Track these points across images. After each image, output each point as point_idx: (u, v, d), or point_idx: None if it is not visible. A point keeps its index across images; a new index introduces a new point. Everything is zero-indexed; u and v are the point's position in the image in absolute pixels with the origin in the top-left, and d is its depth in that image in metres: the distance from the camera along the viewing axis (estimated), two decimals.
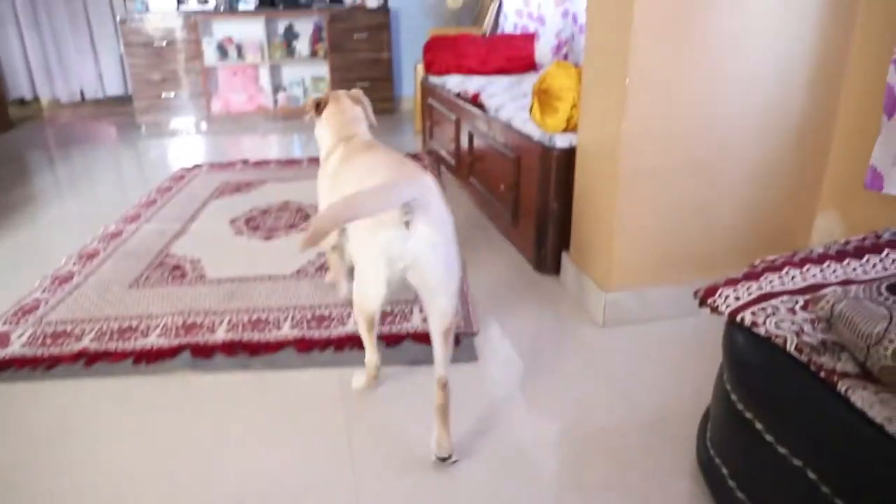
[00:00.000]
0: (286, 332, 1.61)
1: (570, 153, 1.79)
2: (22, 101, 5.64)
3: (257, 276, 1.94)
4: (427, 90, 3.31)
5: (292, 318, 1.66)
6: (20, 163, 3.61)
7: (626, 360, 1.46)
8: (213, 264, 2.04)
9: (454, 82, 2.92)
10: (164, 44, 4.36)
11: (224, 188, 2.90)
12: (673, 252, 1.56)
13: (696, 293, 1.02)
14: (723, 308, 0.93)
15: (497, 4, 4.06)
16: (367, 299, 1.12)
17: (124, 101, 5.56)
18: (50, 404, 1.38)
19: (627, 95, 1.43)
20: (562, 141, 1.81)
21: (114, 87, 5.63)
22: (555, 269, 1.89)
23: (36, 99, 5.65)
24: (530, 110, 1.96)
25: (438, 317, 1.08)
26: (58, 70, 5.52)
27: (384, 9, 4.65)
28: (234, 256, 2.09)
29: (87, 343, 1.57)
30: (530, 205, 1.91)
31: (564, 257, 1.84)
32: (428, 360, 1.21)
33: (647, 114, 1.44)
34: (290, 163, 3.25)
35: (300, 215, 2.47)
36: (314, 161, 3.24)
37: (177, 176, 3.13)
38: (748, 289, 0.94)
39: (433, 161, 3.23)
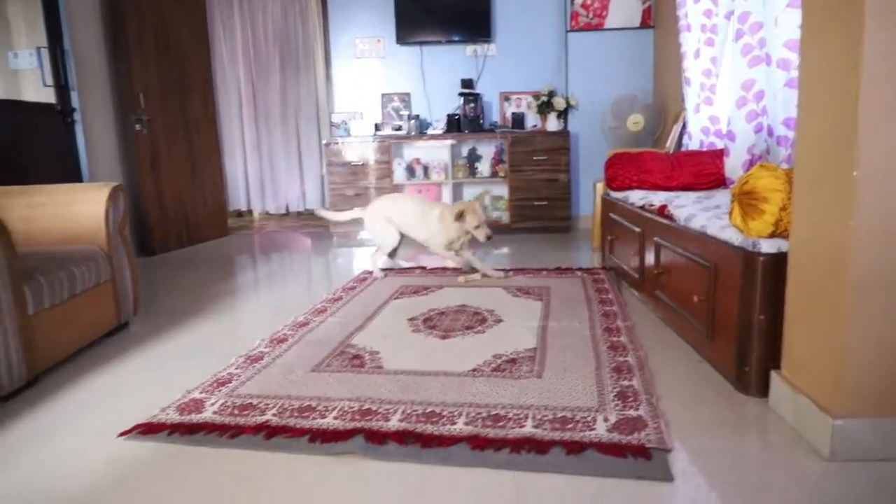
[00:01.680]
0: (460, 427, 1.60)
1: (778, 259, 1.67)
2: (239, 213, 6.73)
3: (433, 371, 1.97)
4: (608, 205, 3.35)
5: (467, 415, 1.65)
6: (229, 262, 4.20)
7: None
8: (391, 357, 2.10)
9: (637, 196, 2.94)
10: (360, 164, 4.95)
11: (403, 290, 3.08)
12: None
13: None
14: None
15: (681, 124, 4.12)
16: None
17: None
18: (229, 470, 1.45)
19: (856, 190, 1.34)
20: (769, 246, 1.71)
21: (313, 202, 6.44)
22: (761, 389, 1.71)
23: (249, 211, 6.68)
24: (730, 215, 1.90)
25: None
26: (269, 186, 6.50)
27: (563, 132, 4.90)
28: (411, 351, 2.15)
29: (269, 417, 1.67)
30: (730, 317, 1.79)
31: (774, 377, 1.66)
32: (617, 473, 1.13)
33: (882, 209, 1.33)
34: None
35: (477, 318, 2.53)
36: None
37: (360, 278, 3.41)
38: None
39: (612, 276, 3.23)
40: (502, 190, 5.08)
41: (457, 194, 5.15)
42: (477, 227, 3.06)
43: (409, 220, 3.26)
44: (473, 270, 3.27)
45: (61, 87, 3.88)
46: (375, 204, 3.36)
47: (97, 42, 4.25)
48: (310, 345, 2.27)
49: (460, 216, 2.99)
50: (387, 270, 3.50)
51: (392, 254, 3.53)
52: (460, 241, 3.23)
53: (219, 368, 2.05)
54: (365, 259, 4.01)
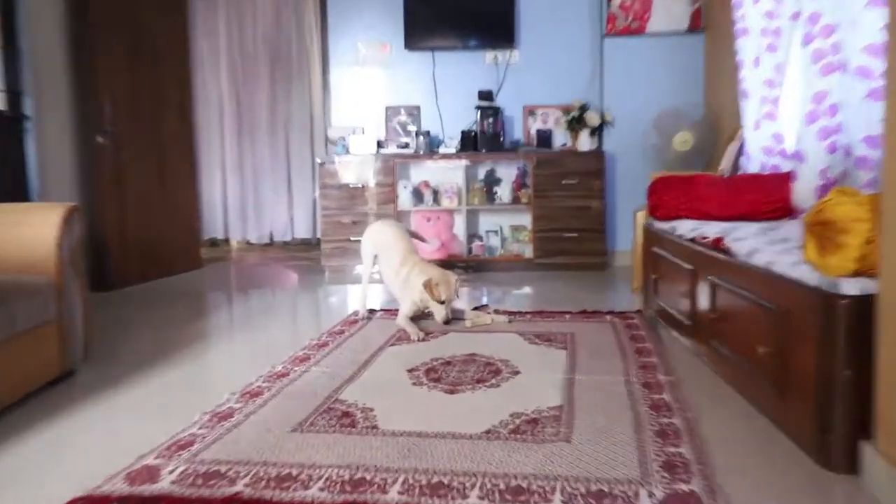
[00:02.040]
0: (473, 501, 1.55)
1: (864, 302, 1.61)
2: (213, 242, 6.69)
3: (438, 432, 1.95)
4: (651, 237, 3.34)
5: (481, 487, 1.60)
6: (200, 299, 4.21)
7: None
8: (387, 415, 2.09)
9: (687, 227, 2.92)
10: (359, 186, 4.95)
11: (401, 335, 3.10)
12: None
13: None
14: None
15: (738, 143, 4.08)
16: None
17: (312, 245, 6.40)
18: None
19: None
20: (852, 286, 1.64)
21: (303, 230, 6.48)
22: (848, 463, 1.62)
23: (226, 240, 6.69)
24: (803, 249, 1.84)
25: None
26: (252, 211, 6.54)
27: (598, 152, 4.91)
28: (412, 409, 2.14)
29: (240, 488, 1.61)
30: (806, 373, 1.72)
31: (866, 449, 1.58)
32: None
33: None
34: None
35: (490, 369, 2.51)
36: (509, 314, 3.40)
37: (350, 320, 3.41)
38: None
39: (651, 321, 3.20)
40: (524, 219, 5.08)
41: (471, 224, 5.16)
42: (442, 302, 3.13)
43: (384, 254, 3.39)
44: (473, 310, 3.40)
45: (13, 92, 3.92)
46: (376, 223, 3.59)
47: (59, 41, 4.24)
48: (290, 399, 2.25)
49: (429, 286, 3.11)
50: (372, 311, 3.54)
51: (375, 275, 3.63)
52: (431, 307, 3.30)
53: (180, 428, 2.03)
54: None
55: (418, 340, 2.98)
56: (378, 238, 3.44)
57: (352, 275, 4.99)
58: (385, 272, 3.39)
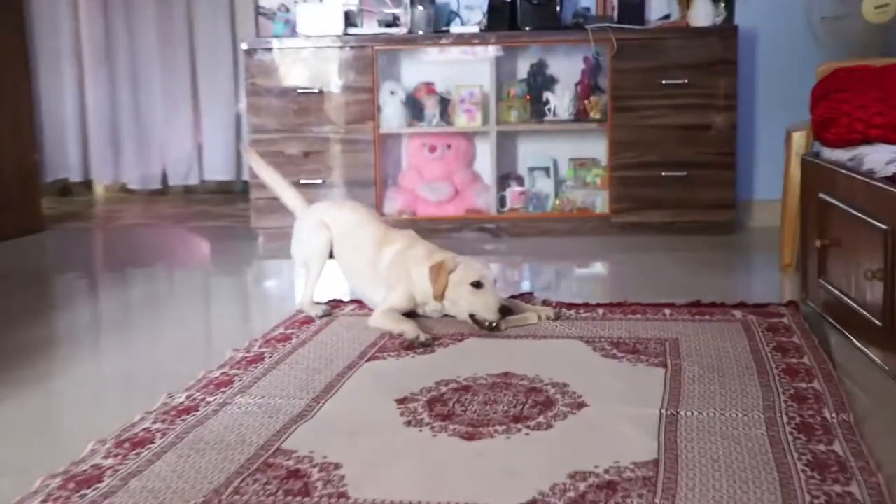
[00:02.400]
0: None
1: None
2: (64, 189, 6.76)
3: None
4: (817, 176, 3.39)
5: None
6: (39, 287, 4.27)
7: None
8: (363, 477, 2.08)
9: (882, 157, 2.94)
10: (314, 91, 4.97)
11: (386, 343, 3.12)
12: None
13: None
14: None
15: None
16: None
17: (235, 192, 6.45)
18: None
19: None
20: None
21: (218, 168, 6.55)
22: None
23: (87, 184, 6.76)
24: None
25: None
26: (129, 137, 6.58)
27: (726, 30, 4.91)
28: (405, 466, 2.16)
29: None
30: None
31: None
32: None
33: None
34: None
35: (535, 399, 2.50)
36: (567, 306, 3.42)
37: (301, 319, 3.45)
38: None
39: (819, 321, 3.22)
40: (595, 148, 5.11)
41: (505, 157, 5.17)
42: (475, 319, 3.22)
43: (348, 242, 3.55)
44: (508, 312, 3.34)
45: None
46: (318, 204, 3.81)
47: None
48: (199, 451, 2.22)
49: (439, 272, 3.25)
50: (329, 308, 3.56)
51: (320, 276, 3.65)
52: (429, 308, 3.37)
53: (15, 499, 2.01)
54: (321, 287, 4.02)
55: (419, 346, 3.05)
56: (335, 211, 3.64)
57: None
58: (350, 267, 3.58)
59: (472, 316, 3.27)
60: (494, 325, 3.23)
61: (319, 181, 4.98)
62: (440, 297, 3.26)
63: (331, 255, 3.58)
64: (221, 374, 2.83)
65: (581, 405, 2.48)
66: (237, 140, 6.37)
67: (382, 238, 3.50)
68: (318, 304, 3.59)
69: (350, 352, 3.04)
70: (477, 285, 3.22)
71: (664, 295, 3.67)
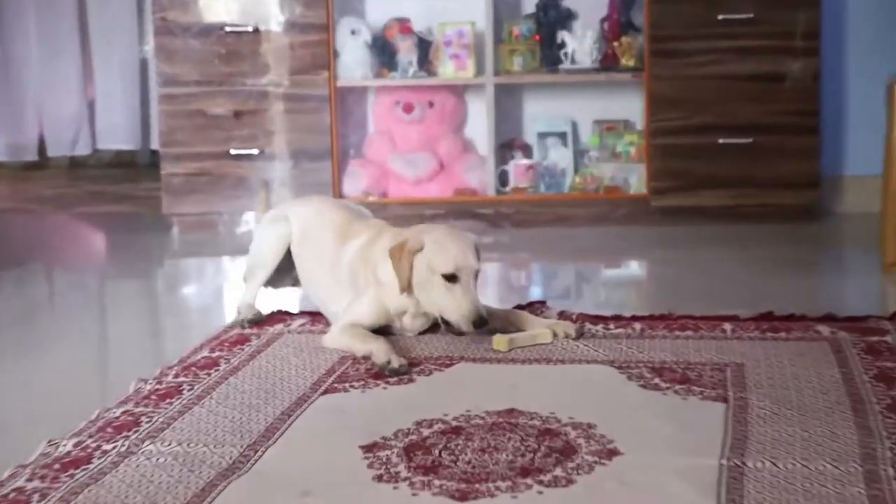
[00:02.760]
0: None
1: None
2: None
3: None
4: None
5: None
6: None
7: None
8: None
9: None
10: (249, 29, 5.01)
11: (348, 370, 3.13)
12: None
13: None
14: None
15: None
16: None
17: (139, 166, 6.43)
18: None
19: None
20: None
21: (117, 135, 6.46)
22: None
23: None
24: None
25: None
26: None
27: None
28: None
29: None
30: None
31: None
32: None
33: None
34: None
35: (549, 445, 2.48)
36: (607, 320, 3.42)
37: (232, 338, 3.51)
38: None
39: None
40: (628, 106, 5.20)
41: (507, 118, 5.24)
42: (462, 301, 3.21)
43: (308, 242, 3.66)
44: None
45: None
46: (290, 204, 3.98)
47: None
48: None
49: (401, 252, 3.29)
50: (259, 314, 3.67)
51: (272, 282, 3.77)
52: (407, 321, 3.42)
53: None
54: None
55: (392, 373, 3.06)
56: (296, 213, 3.73)
57: (233, 231, 5.04)
58: (308, 273, 3.68)
59: (441, 318, 3.32)
60: (474, 323, 3.24)
61: (255, 151, 4.99)
62: (406, 288, 3.28)
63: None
64: (123, 413, 2.80)
65: (612, 453, 2.44)
66: (142, 96, 6.34)
67: (344, 230, 3.55)
68: (255, 308, 3.66)
69: (299, 382, 3.03)
70: (451, 278, 3.25)
71: (723, 304, 3.68)
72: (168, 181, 5.04)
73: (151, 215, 5.27)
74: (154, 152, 5.90)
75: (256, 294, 3.71)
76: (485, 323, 3.25)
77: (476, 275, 3.32)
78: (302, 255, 3.65)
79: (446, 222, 4.85)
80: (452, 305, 3.23)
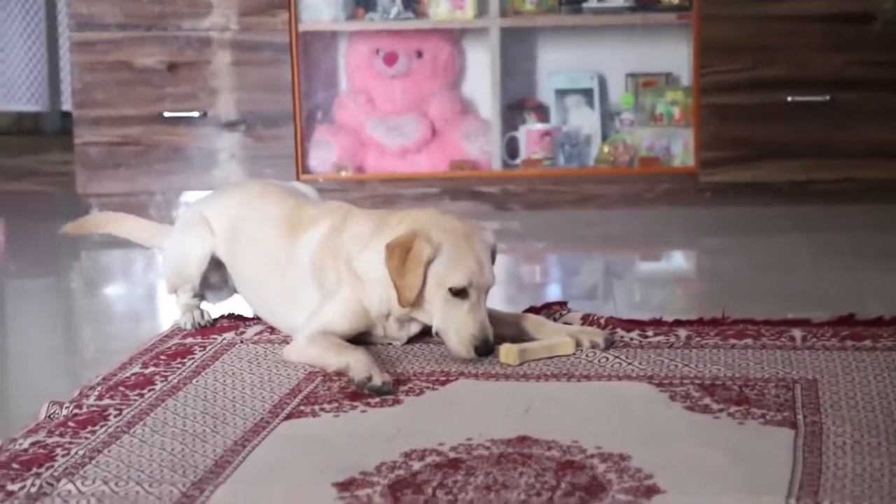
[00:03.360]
0: None
1: None
2: None
3: None
4: None
5: None
6: None
7: None
8: None
9: None
10: None
11: (317, 389, 3.14)
12: None
13: None
14: None
15: None
16: None
17: (46, 133, 6.53)
18: None
19: None
20: None
21: (17, 93, 6.46)
22: None
23: None
24: None
25: None
26: None
27: None
28: None
29: None
30: None
31: None
32: None
33: None
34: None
35: (570, 481, 2.46)
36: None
37: (171, 349, 3.51)
38: None
39: None
40: (673, 54, 5.26)
41: (515, 73, 5.29)
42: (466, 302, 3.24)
43: (240, 241, 3.70)
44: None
45: None
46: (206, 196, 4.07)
47: None
48: None
49: (404, 248, 3.28)
50: (209, 318, 3.73)
51: (199, 293, 3.81)
52: (392, 328, 3.46)
53: None
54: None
55: (373, 393, 3.05)
56: (217, 212, 3.78)
57: (165, 212, 5.08)
58: (248, 280, 3.72)
59: (437, 333, 3.35)
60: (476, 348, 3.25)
61: (195, 113, 5.01)
62: (412, 303, 3.28)
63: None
64: (33, 444, 2.79)
65: (651, 491, 2.42)
66: (49, 44, 6.36)
67: (293, 220, 3.57)
68: (200, 309, 3.71)
69: (256, 404, 3.03)
70: (459, 293, 3.28)
71: (792, 305, 3.74)
72: (83, 152, 5.06)
73: (63, 196, 5.29)
74: (66, 115, 5.91)
75: (193, 297, 3.74)
76: (490, 351, 3.27)
77: (486, 290, 3.33)
78: (236, 262, 3.67)
79: (438, 206, 4.87)
80: (454, 325, 3.26)
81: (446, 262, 3.25)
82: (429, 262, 3.22)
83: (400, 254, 3.20)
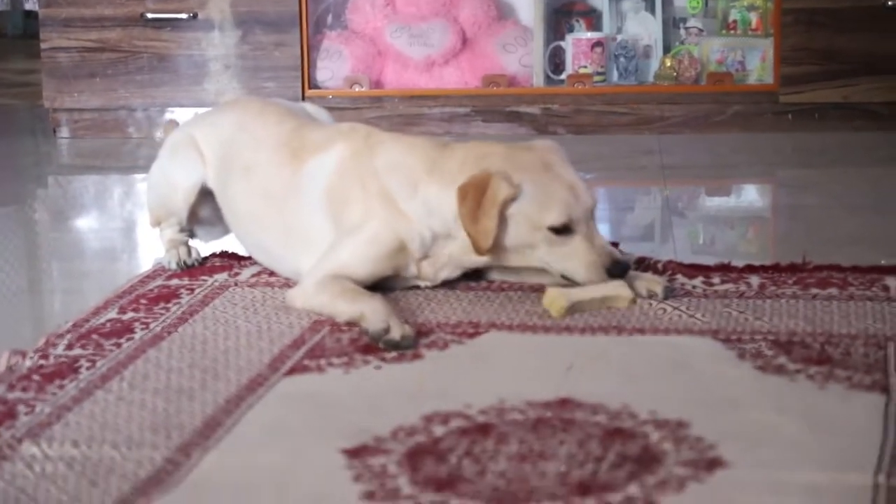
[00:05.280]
0: None
1: None
2: None
3: None
4: None
5: None
6: None
7: None
8: None
9: None
10: None
11: (324, 340, 3.16)
12: None
13: None
14: None
15: None
16: None
17: (7, 35, 6.56)
18: None
19: None
20: None
21: None
22: None
23: None
24: None
25: None
26: None
27: None
28: None
29: None
30: None
31: None
32: None
33: None
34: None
35: (618, 452, 2.48)
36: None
37: (154, 291, 3.56)
38: None
39: None
40: None
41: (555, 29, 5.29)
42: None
43: (232, 170, 3.73)
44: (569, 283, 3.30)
45: None
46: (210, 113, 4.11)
47: None
48: None
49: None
50: (198, 255, 3.79)
51: (187, 231, 3.85)
52: (427, 269, 3.47)
53: None
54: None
55: (390, 347, 3.08)
56: (207, 135, 3.82)
57: (150, 138, 5.11)
58: (248, 215, 3.73)
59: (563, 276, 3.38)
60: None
61: (183, 15, 5.03)
62: (485, 250, 3.32)
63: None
64: None
65: (713, 464, 2.42)
66: None
67: (293, 141, 3.60)
68: (188, 245, 3.75)
69: (252, 357, 3.05)
70: (562, 230, 3.29)
71: (887, 251, 3.76)
72: (51, 59, 5.07)
73: (26, 110, 5.32)
74: (29, 15, 5.94)
75: (180, 232, 3.78)
76: (626, 269, 3.37)
77: (591, 210, 3.36)
78: (230, 194, 3.71)
79: (468, 128, 4.88)
80: (573, 263, 3.32)
81: (533, 201, 3.27)
82: (505, 204, 3.23)
83: (475, 195, 3.22)
